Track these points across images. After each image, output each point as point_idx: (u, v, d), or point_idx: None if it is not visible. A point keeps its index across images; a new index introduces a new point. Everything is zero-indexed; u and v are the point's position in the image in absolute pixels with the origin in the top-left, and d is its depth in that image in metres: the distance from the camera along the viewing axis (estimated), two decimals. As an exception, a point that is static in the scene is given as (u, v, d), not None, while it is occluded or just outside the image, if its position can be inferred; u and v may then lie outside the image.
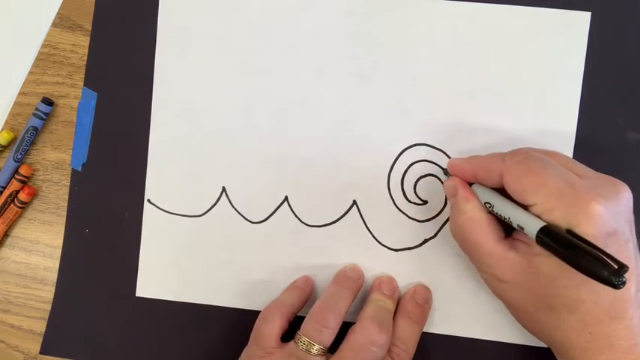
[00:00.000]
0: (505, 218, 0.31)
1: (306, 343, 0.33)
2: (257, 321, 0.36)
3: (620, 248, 0.28)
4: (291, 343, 0.34)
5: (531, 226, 0.28)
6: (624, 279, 0.24)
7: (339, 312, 0.34)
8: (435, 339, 0.38)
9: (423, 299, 0.37)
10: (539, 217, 0.29)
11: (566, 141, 0.37)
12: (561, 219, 0.28)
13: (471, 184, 0.34)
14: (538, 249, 0.29)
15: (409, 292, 0.37)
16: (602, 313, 0.28)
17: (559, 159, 0.32)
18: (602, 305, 0.28)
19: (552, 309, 0.30)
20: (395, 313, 0.37)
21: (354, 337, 0.34)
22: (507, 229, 0.33)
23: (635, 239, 0.30)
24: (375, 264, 0.38)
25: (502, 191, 0.32)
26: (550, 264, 0.29)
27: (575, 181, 0.29)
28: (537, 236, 0.28)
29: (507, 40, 0.37)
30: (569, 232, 0.27)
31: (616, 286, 0.24)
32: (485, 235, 0.32)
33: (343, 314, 0.35)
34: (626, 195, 0.29)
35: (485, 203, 0.32)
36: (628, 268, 0.25)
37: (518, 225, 0.30)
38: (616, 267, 0.25)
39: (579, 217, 0.27)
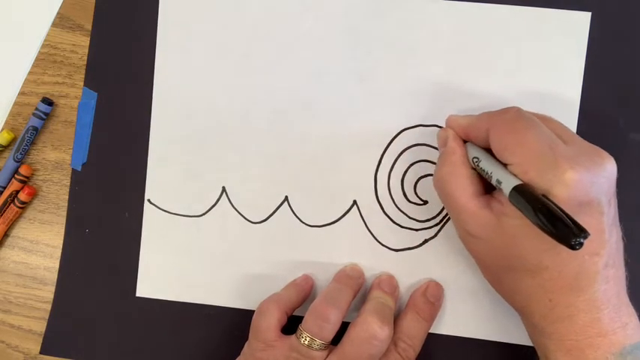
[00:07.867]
0: (487, 174, 0.31)
1: (307, 338, 0.33)
2: (254, 315, 0.36)
3: (593, 220, 0.28)
4: (293, 337, 0.34)
5: (507, 182, 0.28)
6: (582, 241, 0.24)
7: (340, 307, 0.34)
8: (436, 339, 0.38)
9: (434, 297, 0.37)
10: (516, 176, 0.29)
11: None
12: (536, 182, 0.28)
13: (465, 142, 0.34)
14: (509, 209, 0.29)
15: (420, 289, 0.37)
16: (564, 283, 0.28)
17: (550, 124, 0.31)
18: (566, 275, 0.28)
19: (512, 270, 0.30)
20: (405, 309, 0.37)
21: (355, 331, 0.33)
22: (489, 189, 0.33)
23: (614, 214, 0.29)
24: (375, 264, 0.38)
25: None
26: (518, 226, 0.29)
27: (558, 146, 0.29)
28: (510, 193, 0.28)
29: (507, 40, 0.37)
30: (544, 196, 0.27)
31: (572, 247, 0.24)
32: (463, 189, 0.32)
33: (344, 310, 0.34)
34: (609, 167, 0.29)
35: (473, 158, 0.32)
36: (589, 234, 0.24)
37: (497, 180, 0.30)
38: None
39: (553, 182, 0.27)
